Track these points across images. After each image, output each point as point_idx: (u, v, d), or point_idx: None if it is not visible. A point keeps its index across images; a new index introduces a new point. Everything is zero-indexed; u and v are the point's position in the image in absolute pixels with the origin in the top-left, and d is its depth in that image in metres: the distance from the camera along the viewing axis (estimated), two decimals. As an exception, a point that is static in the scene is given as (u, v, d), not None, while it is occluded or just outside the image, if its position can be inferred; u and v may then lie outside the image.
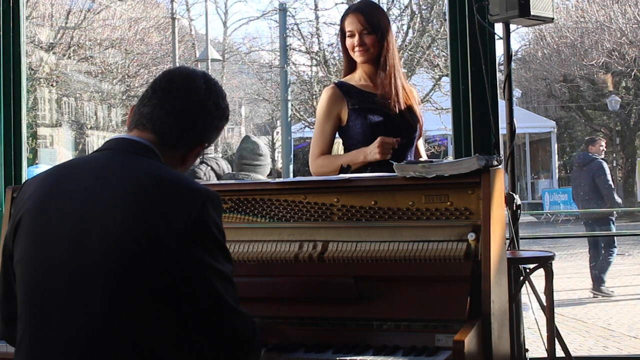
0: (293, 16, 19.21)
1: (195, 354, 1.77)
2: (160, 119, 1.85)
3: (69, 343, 1.70)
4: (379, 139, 2.98)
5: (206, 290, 1.74)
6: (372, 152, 3.00)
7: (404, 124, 3.14)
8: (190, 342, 1.75)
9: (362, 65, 3.17)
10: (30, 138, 20.91)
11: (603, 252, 8.71)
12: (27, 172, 4.39)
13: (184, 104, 1.86)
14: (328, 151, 3.19)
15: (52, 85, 23.29)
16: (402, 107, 3.13)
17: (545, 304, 3.25)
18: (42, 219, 1.77)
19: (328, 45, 19.41)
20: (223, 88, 1.98)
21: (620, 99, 25.03)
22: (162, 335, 1.71)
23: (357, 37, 3.11)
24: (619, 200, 9.28)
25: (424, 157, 3.29)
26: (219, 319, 1.76)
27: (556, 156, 27.86)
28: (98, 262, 1.69)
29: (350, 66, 3.22)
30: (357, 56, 3.14)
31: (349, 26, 3.14)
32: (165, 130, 1.85)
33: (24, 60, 4.21)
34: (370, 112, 3.11)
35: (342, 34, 3.19)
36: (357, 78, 3.19)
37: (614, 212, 8.91)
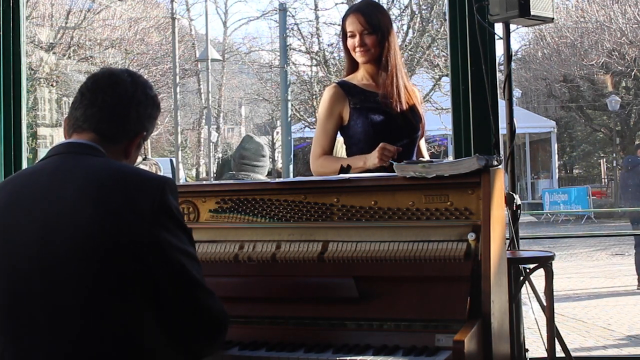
0: (293, 16, 19.22)
1: (174, 338, 1.80)
2: (95, 116, 1.89)
3: (54, 345, 1.71)
4: (380, 144, 2.96)
5: (178, 271, 1.78)
6: (371, 157, 2.98)
7: (406, 124, 3.14)
8: (167, 328, 1.78)
9: (363, 65, 3.17)
10: (30, 138, 20.92)
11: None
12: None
13: (114, 97, 1.90)
14: (330, 150, 3.18)
15: (52, 85, 23.29)
16: (404, 107, 3.13)
17: (545, 304, 3.24)
18: (5, 230, 1.79)
19: (328, 45, 19.43)
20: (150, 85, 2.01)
21: (620, 99, 25.04)
22: (141, 324, 1.73)
23: (357, 38, 3.11)
24: None
25: (426, 157, 3.28)
26: (192, 297, 1.81)
27: (556, 156, 27.87)
28: (70, 260, 1.71)
29: (352, 66, 3.22)
30: (358, 56, 3.14)
31: (349, 26, 3.14)
32: (102, 126, 1.89)
33: (24, 60, 4.21)
34: (371, 112, 3.10)
35: (344, 34, 3.19)
36: (359, 78, 3.19)
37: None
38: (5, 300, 1.77)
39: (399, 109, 3.11)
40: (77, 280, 1.71)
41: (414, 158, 3.17)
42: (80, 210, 1.73)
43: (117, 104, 1.90)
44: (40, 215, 1.76)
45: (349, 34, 3.14)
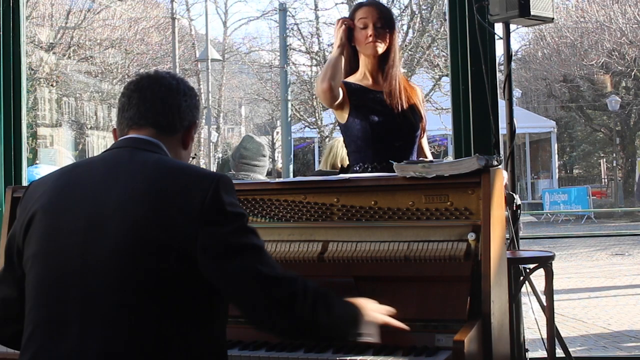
0: (293, 16, 19.27)
1: (251, 325, 1.80)
2: (150, 111, 1.91)
3: (88, 336, 1.70)
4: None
5: (232, 266, 1.73)
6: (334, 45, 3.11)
7: (406, 123, 3.14)
8: (220, 324, 1.78)
9: (366, 62, 3.17)
10: (30, 138, 20.92)
11: None
12: (27, 172, 4.39)
13: (162, 90, 1.93)
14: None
15: (52, 85, 23.29)
16: (405, 106, 3.14)
17: (545, 304, 3.24)
18: (56, 216, 1.80)
19: (328, 45, 19.43)
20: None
21: (620, 99, 25.05)
22: (182, 324, 1.72)
23: (371, 28, 3.11)
24: None
25: (429, 156, 3.28)
26: (254, 291, 1.75)
27: (556, 156, 27.88)
28: (112, 255, 1.71)
29: (352, 66, 3.22)
30: (368, 47, 3.13)
31: (362, 16, 3.13)
32: (158, 118, 1.91)
33: (24, 60, 4.20)
34: (371, 110, 3.11)
35: (349, 29, 3.20)
36: (359, 77, 3.19)
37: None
38: (45, 286, 1.77)
39: (399, 108, 3.12)
40: (116, 278, 1.70)
41: (415, 157, 3.17)
42: (129, 207, 1.74)
43: (168, 96, 1.93)
44: (89, 208, 1.77)
45: (360, 26, 3.13)
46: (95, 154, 2.04)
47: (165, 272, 1.70)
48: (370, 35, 3.10)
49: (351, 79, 3.19)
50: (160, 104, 1.92)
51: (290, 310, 1.77)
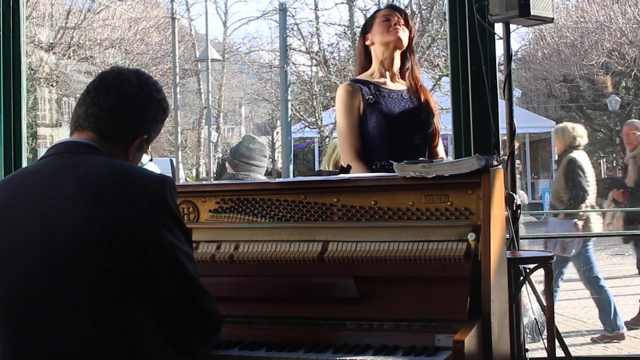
0: (293, 16, 19.27)
1: (169, 336, 1.81)
2: (95, 116, 1.90)
3: (54, 346, 1.70)
4: None
5: (176, 269, 1.79)
6: None
7: (422, 119, 3.20)
8: (163, 326, 1.79)
9: (382, 60, 3.22)
10: (30, 138, 20.92)
11: None
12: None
13: (116, 98, 1.90)
14: (360, 148, 3.18)
15: (52, 85, 23.29)
16: (418, 102, 3.20)
17: (545, 304, 3.24)
18: (5, 230, 1.78)
19: (328, 45, 19.47)
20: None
21: (620, 99, 25.04)
22: (141, 323, 1.75)
23: (395, 20, 3.21)
24: None
25: (442, 155, 3.32)
26: (189, 296, 1.82)
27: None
28: (70, 259, 1.72)
29: (365, 64, 3.28)
30: (393, 33, 3.20)
31: (386, 14, 3.24)
32: (100, 126, 1.89)
33: (24, 60, 4.20)
34: (385, 106, 3.15)
35: (364, 30, 3.27)
36: (371, 74, 3.25)
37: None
38: (5, 300, 1.77)
39: (412, 104, 3.18)
40: (77, 279, 1.71)
41: (427, 155, 3.21)
42: (80, 209, 1.74)
43: (118, 105, 1.90)
44: (39, 215, 1.76)
45: (383, 19, 3.22)
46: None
47: (123, 269, 1.72)
48: (395, 24, 3.19)
49: (363, 77, 3.24)
50: (107, 112, 1.89)
51: (217, 325, 1.89)
